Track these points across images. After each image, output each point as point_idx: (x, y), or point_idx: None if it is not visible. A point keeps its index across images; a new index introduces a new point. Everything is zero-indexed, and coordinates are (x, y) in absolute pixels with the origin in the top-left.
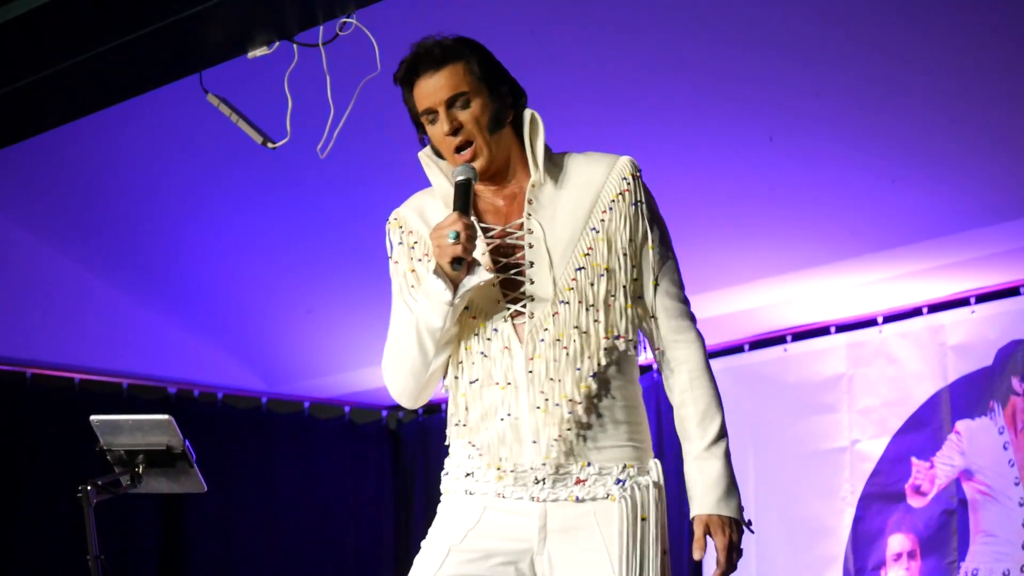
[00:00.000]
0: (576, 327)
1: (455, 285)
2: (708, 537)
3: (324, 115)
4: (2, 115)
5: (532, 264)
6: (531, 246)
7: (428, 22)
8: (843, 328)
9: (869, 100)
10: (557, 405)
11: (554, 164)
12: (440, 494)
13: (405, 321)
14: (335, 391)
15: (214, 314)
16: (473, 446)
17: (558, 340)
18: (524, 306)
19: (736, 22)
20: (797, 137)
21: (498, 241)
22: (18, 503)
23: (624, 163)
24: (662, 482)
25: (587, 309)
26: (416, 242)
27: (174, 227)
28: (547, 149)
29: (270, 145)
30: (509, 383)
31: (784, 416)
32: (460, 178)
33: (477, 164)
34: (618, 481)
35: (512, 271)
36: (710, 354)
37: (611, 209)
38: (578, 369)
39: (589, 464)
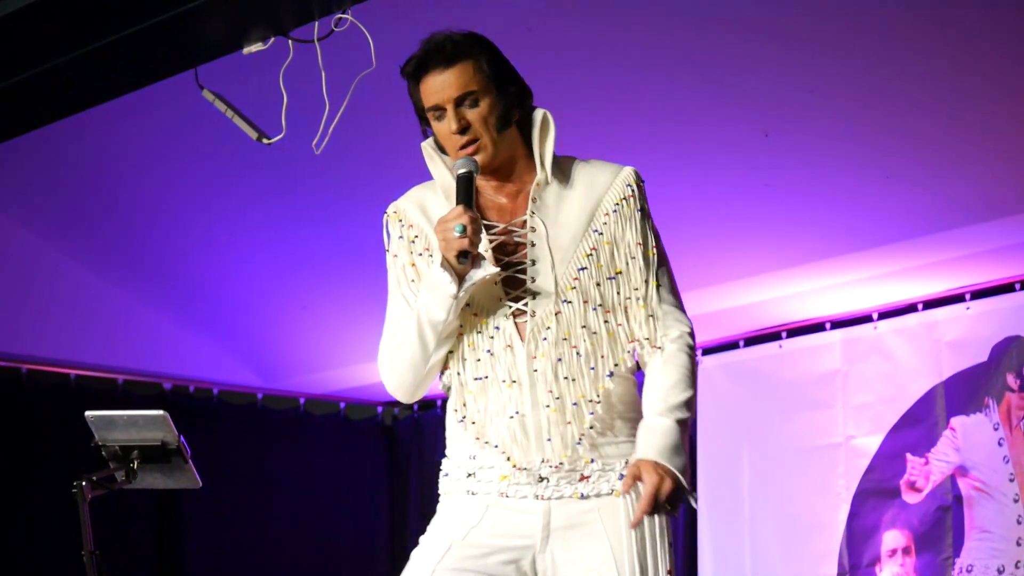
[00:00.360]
0: (584, 327)
1: (460, 278)
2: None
3: (319, 111)
4: None
5: (534, 262)
6: (533, 244)
7: (423, 18)
8: (838, 324)
9: (864, 96)
10: (575, 404)
11: (558, 166)
12: (438, 492)
13: (403, 315)
14: (330, 387)
15: (210, 310)
16: (486, 442)
17: (565, 339)
18: (526, 304)
19: (730, 18)
20: (791, 133)
21: (500, 238)
22: (13, 498)
23: (629, 172)
24: None
25: (594, 309)
26: (416, 236)
27: (170, 223)
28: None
29: (265, 141)
30: (514, 381)
31: (779, 412)
32: (462, 171)
33: (479, 159)
34: (621, 476)
35: (514, 269)
36: (706, 350)
37: (615, 212)
38: (592, 369)
39: (593, 461)
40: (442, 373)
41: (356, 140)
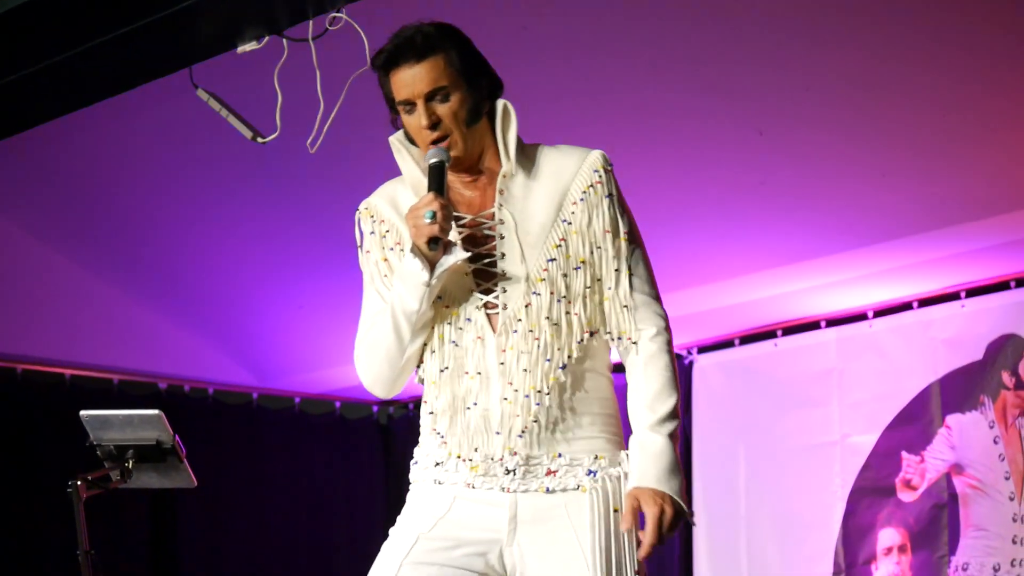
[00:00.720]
0: (547, 318)
1: (432, 265)
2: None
3: (314, 110)
4: None
5: (504, 255)
6: (502, 237)
7: (417, 16)
8: (833, 322)
9: (859, 94)
10: (526, 396)
11: (525, 155)
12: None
13: (377, 310)
14: (326, 386)
15: (205, 309)
16: (439, 435)
17: (530, 331)
18: (497, 297)
19: (725, 16)
20: (787, 131)
21: (469, 230)
22: (8, 498)
23: (595, 156)
24: None
25: (559, 300)
26: (388, 231)
27: (165, 222)
28: (519, 140)
29: (260, 140)
30: (479, 373)
31: (774, 411)
32: (433, 160)
33: (452, 153)
34: (589, 472)
35: (484, 261)
36: (701, 348)
37: (582, 200)
38: (548, 360)
39: (560, 455)
40: (418, 367)
41: (351, 139)
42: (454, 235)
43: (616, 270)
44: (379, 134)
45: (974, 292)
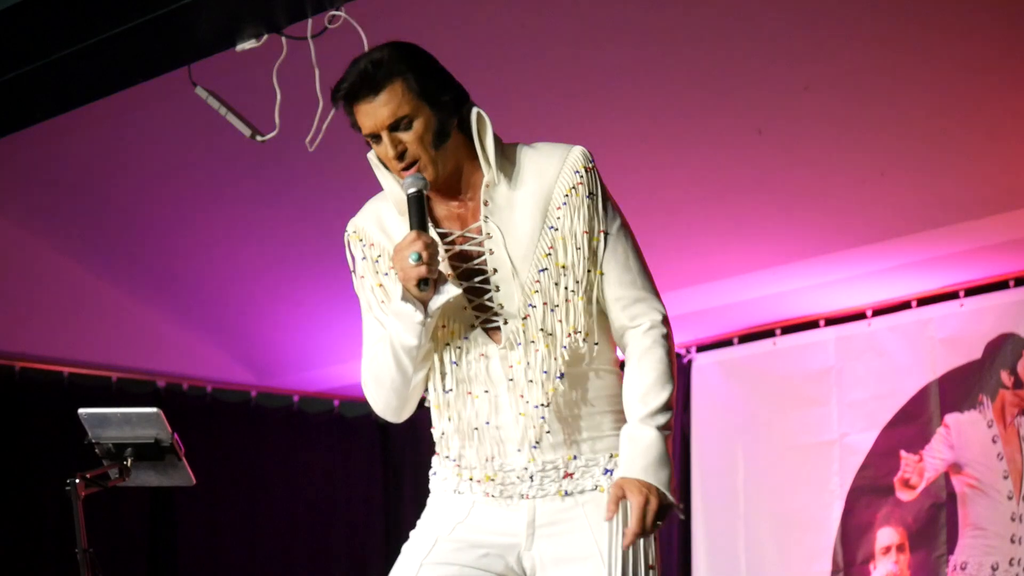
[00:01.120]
0: (542, 329)
1: (425, 304)
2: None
3: (313, 108)
4: None
5: (495, 270)
6: (492, 252)
7: (415, 15)
8: (832, 321)
9: (858, 93)
10: (536, 408)
11: (506, 158)
12: (428, 488)
13: (378, 337)
14: (324, 384)
15: (203, 307)
16: (451, 459)
17: (531, 343)
18: (495, 313)
19: (724, 16)
20: (786, 130)
21: (457, 247)
22: (7, 496)
23: (576, 155)
24: None
25: (552, 310)
26: (379, 256)
27: (163, 220)
28: (498, 142)
29: (259, 138)
30: (486, 391)
31: (773, 409)
32: (411, 190)
33: (424, 175)
34: (606, 471)
35: (475, 277)
36: (700, 347)
37: (565, 204)
38: (545, 372)
39: (575, 457)
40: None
41: (349, 137)
42: (442, 252)
43: (588, 271)
44: None
45: (973, 291)
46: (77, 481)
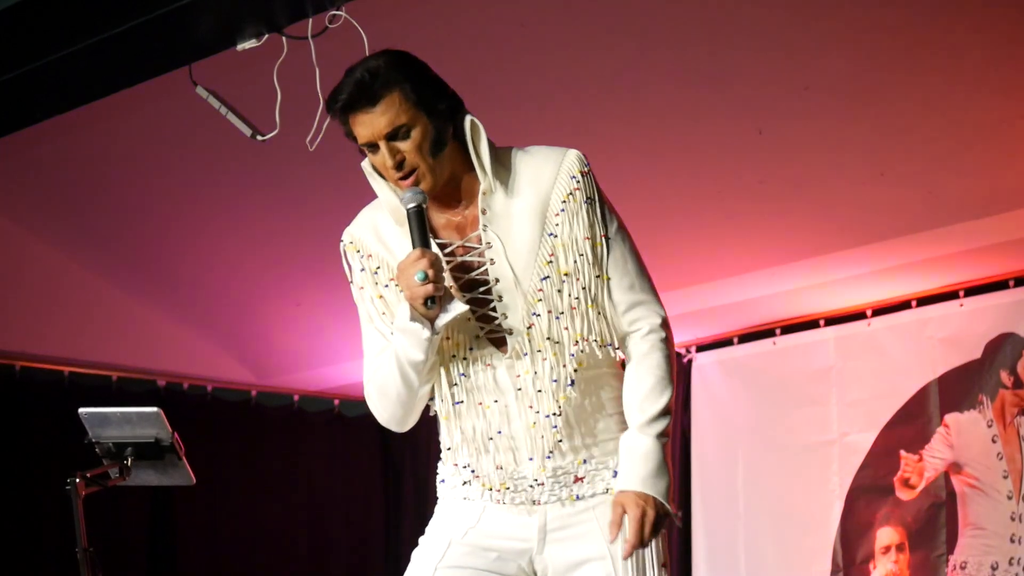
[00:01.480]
0: (548, 338)
1: (431, 320)
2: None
3: (313, 107)
4: None
5: (497, 280)
6: (492, 262)
7: (416, 15)
8: (832, 321)
9: (858, 93)
10: (547, 417)
11: (502, 165)
12: (432, 488)
13: (380, 348)
14: (324, 384)
15: (203, 306)
16: (465, 467)
17: (538, 351)
18: (499, 324)
19: (725, 16)
20: (786, 130)
21: (458, 259)
22: (7, 496)
23: (572, 160)
24: None
25: (556, 318)
26: (379, 267)
27: (163, 219)
28: (491, 147)
29: (259, 137)
30: (496, 401)
31: (773, 409)
32: (411, 206)
33: (424, 187)
34: (615, 474)
35: (478, 288)
36: (700, 347)
37: (563, 211)
38: (554, 381)
39: (585, 461)
40: (431, 399)
41: None
42: (442, 262)
43: (597, 276)
44: None
45: (973, 291)
46: (77, 480)
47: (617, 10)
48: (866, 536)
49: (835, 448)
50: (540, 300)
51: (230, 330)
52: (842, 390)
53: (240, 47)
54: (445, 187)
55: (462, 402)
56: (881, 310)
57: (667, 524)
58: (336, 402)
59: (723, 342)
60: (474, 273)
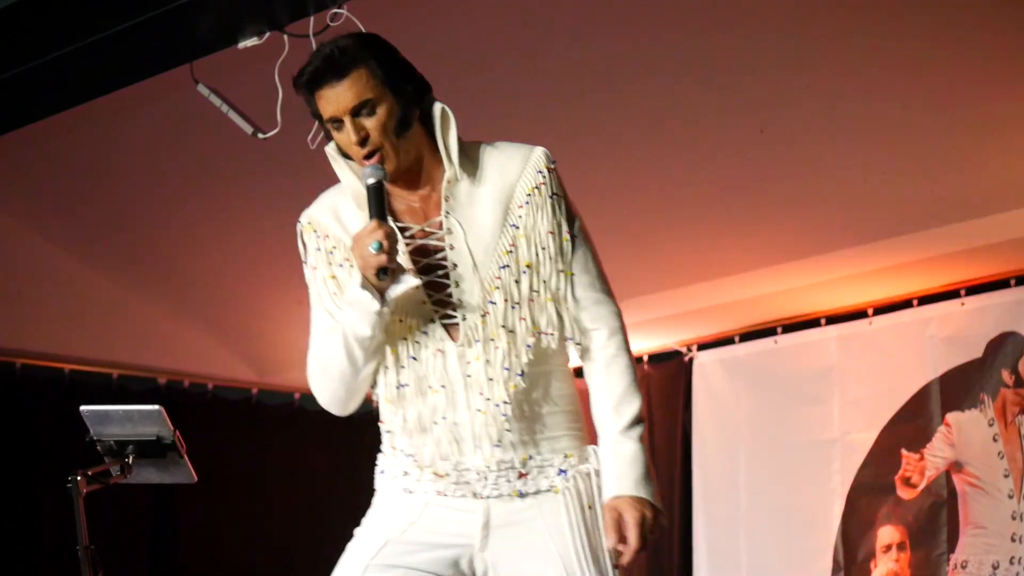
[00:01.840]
0: (503, 326)
1: (382, 293)
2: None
3: None
4: None
5: (456, 266)
6: (452, 247)
7: (417, 12)
8: (833, 320)
9: (859, 92)
10: (496, 406)
11: (467, 157)
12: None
13: (327, 328)
14: None
15: (204, 304)
16: (407, 454)
17: (491, 340)
18: (454, 309)
19: (726, 14)
20: (787, 128)
21: (417, 242)
22: (8, 493)
23: (539, 155)
24: (601, 468)
25: (513, 307)
26: (334, 247)
27: (164, 217)
28: (459, 141)
29: (260, 135)
30: (443, 386)
31: (774, 408)
32: (371, 181)
33: (386, 167)
34: (560, 472)
35: (435, 272)
36: (701, 345)
37: (527, 203)
38: (506, 369)
39: (531, 457)
40: (373, 385)
41: None
42: (401, 245)
43: (559, 271)
44: None
45: (974, 290)
46: (79, 478)
47: (618, 8)
48: (867, 535)
49: (836, 447)
50: (497, 288)
51: (231, 328)
52: (843, 389)
53: (241, 45)
54: (408, 172)
55: (407, 385)
56: (882, 309)
57: (658, 527)
58: None
59: (724, 340)
60: (433, 258)
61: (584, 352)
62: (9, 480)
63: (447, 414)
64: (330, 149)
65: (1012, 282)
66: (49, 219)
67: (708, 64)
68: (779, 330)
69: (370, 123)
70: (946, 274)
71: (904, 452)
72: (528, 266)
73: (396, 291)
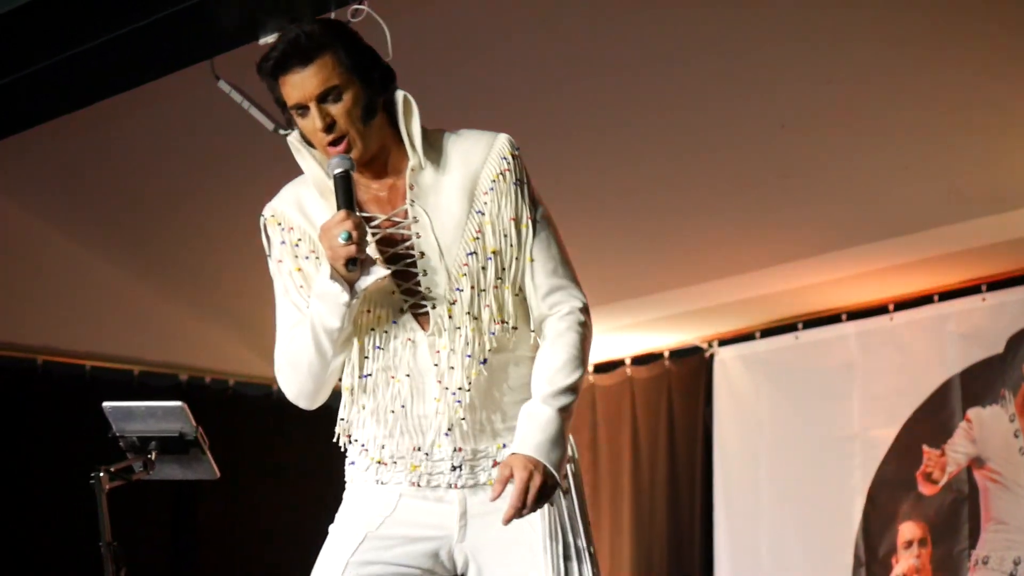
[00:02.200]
0: (468, 313)
1: (351, 285)
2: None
3: None
4: (15, 101)
5: (423, 254)
6: (419, 236)
7: (438, 9)
8: (854, 315)
9: (881, 87)
10: (453, 394)
11: (431, 145)
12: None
13: (294, 322)
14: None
15: (226, 300)
16: (355, 440)
17: (458, 328)
18: (423, 298)
19: (747, 8)
20: (808, 124)
21: (384, 231)
22: (30, 490)
23: (503, 143)
24: (575, 455)
25: (479, 294)
26: (300, 239)
27: (186, 214)
28: (423, 129)
29: (282, 132)
30: (408, 375)
31: (795, 404)
32: (338, 171)
33: (352, 155)
34: None
35: (402, 261)
36: (722, 341)
37: (492, 190)
38: (468, 356)
39: (505, 446)
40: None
41: None
42: (369, 237)
43: (517, 258)
44: None
45: (995, 285)
46: (101, 474)
47: (637, 3)
48: (888, 530)
49: (857, 442)
50: (464, 275)
51: (253, 324)
52: (864, 384)
53: (262, 41)
54: (372, 161)
55: (370, 375)
56: (903, 304)
57: (554, 497)
58: None
59: (745, 336)
60: (399, 247)
61: (542, 336)
62: (32, 477)
63: (407, 402)
64: (292, 139)
65: None
66: (69, 216)
67: (729, 59)
68: (799, 326)
69: (336, 109)
70: (966, 270)
71: (925, 448)
72: (494, 252)
73: (366, 282)
